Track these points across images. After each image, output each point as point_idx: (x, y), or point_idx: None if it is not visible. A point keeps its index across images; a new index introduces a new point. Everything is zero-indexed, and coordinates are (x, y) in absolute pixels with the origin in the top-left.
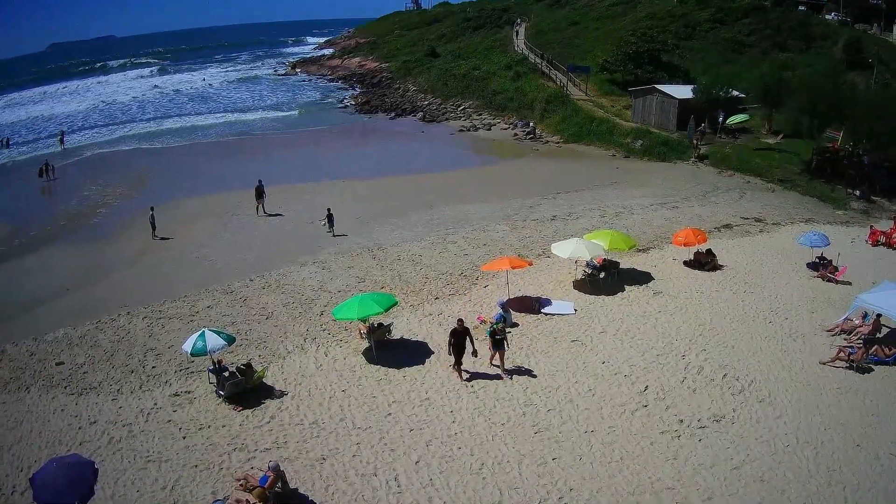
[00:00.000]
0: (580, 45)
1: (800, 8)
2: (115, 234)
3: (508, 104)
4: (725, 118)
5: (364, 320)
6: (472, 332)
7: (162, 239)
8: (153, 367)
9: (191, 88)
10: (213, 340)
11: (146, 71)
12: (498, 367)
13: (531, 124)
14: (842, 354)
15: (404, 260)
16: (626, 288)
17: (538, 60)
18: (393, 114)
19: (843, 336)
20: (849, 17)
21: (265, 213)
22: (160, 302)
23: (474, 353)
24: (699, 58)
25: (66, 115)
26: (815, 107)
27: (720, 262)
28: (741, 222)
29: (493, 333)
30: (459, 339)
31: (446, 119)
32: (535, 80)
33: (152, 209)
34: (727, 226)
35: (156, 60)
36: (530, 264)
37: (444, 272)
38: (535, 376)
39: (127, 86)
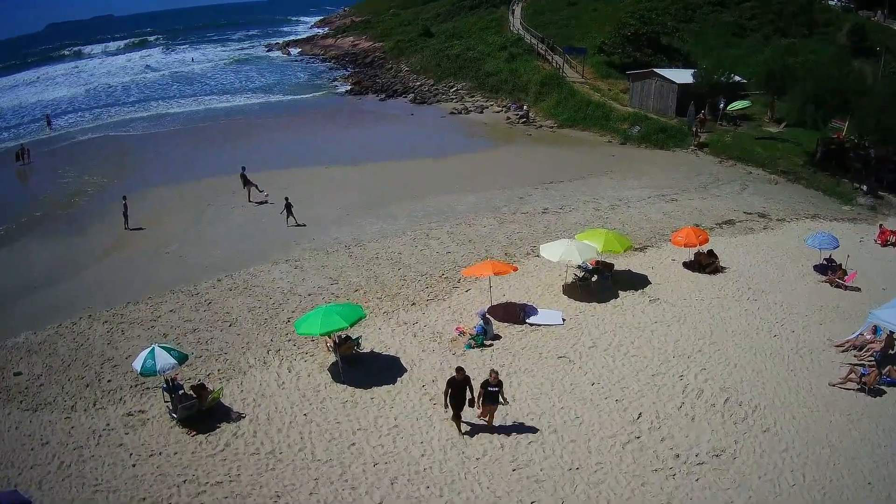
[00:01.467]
0: (578, 26)
1: None
2: (89, 226)
3: (502, 86)
4: (726, 105)
5: (328, 335)
6: (450, 345)
7: (135, 230)
8: (109, 381)
9: (179, 69)
10: (163, 359)
11: (136, 54)
12: (485, 423)
13: (525, 107)
14: (853, 375)
15: (382, 258)
16: (621, 294)
17: (534, 41)
18: (384, 95)
19: (854, 353)
20: (852, 4)
21: (254, 200)
22: (123, 304)
23: (472, 402)
24: (699, 41)
25: (52, 100)
26: (821, 95)
27: (722, 264)
28: (744, 218)
29: (485, 384)
30: (459, 390)
31: (438, 101)
32: (530, 62)
33: (125, 199)
34: (729, 221)
35: (152, 39)
36: (515, 269)
37: (424, 273)
38: (516, 400)
39: (118, 66)
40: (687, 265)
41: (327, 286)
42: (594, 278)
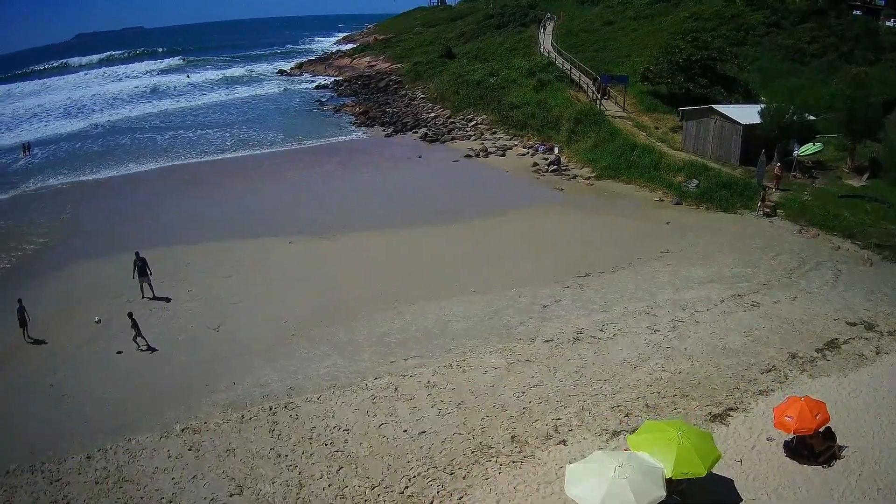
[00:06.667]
0: (615, 48)
1: (854, 13)
2: None
3: (529, 121)
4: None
5: None
6: None
7: (34, 343)
8: None
9: (176, 92)
10: None
11: (144, 67)
12: None
13: (556, 150)
14: None
15: (319, 439)
16: None
17: (567, 66)
18: (391, 129)
19: None
20: None
21: (152, 294)
22: None
23: None
24: (756, 67)
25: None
26: None
27: (839, 443)
28: (848, 333)
29: None
30: None
31: (453, 139)
32: (562, 91)
33: (20, 302)
34: (832, 344)
35: (174, 59)
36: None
37: (379, 482)
38: None
39: (105, 90)
40: (791, 450)
41: (223, 499)
42: None
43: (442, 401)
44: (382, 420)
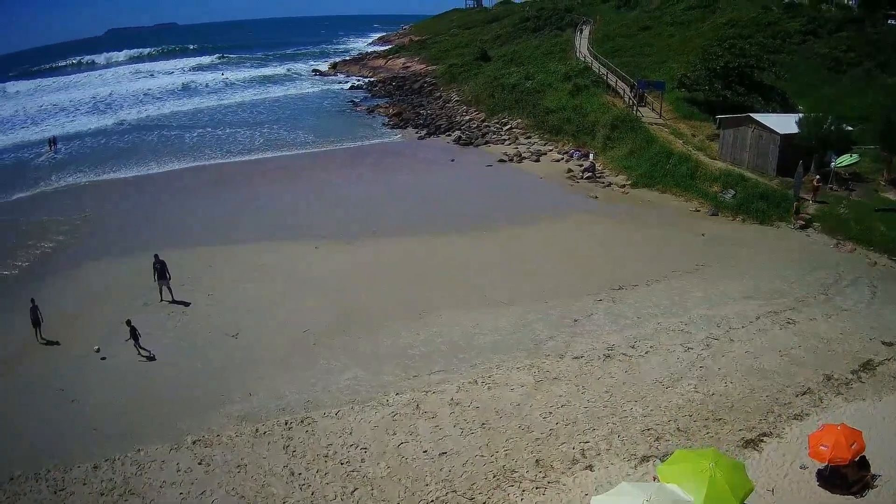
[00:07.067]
0: (652, 53)
1: (890, 22)
2: (3, 315)
3: (564, 126)
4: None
5: None
6: None
7: (47, 344)
8: None
9: (207, 89)
10: None
11: (176, 64)
12: None
13: (591, 157)
14: None
15: (335, 458)
16: None
17: (603, 71)
18: (424, 131)
19: None
20: None
21: (171, 298)
22: None
23: None
24: (793, 76)
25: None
26: None
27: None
28: (884, 354)
29: None
30: None
31: (487, 143)
32: (598, 97)
33: (33, 302)
34: (867, 365)
35: (206, 57)
36: None
37: None
38: None
39: (135, 87)
40: (824, 479)
41: None
42: None
43: (465, 420)
44: (402, 439)
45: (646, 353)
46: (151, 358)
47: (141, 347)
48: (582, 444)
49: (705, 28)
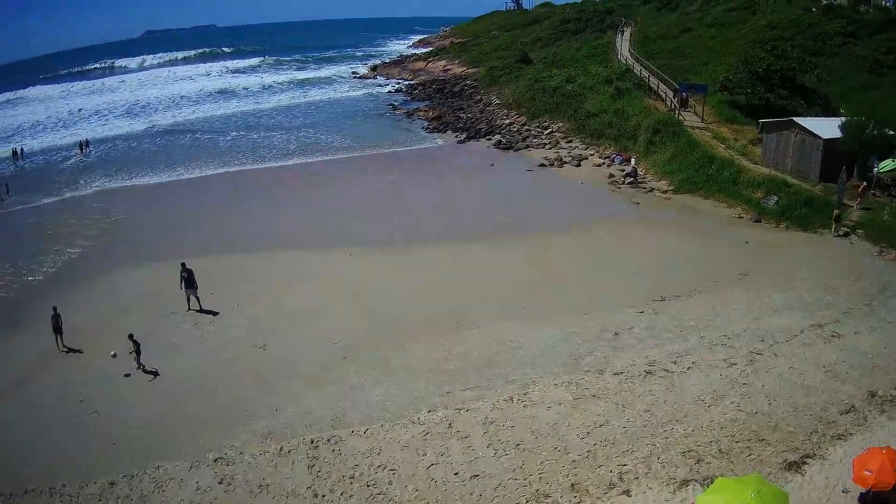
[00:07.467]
0: (693, 55)
1: None
2: (28, 321)
3: (606, 130)
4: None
5: None
6: None
7: (69, 352)
8: None
9: (245, 92)
10: None
11: (213, 67)
12: None
13: (633, 162)
14: None
15: (362, 479)
16: None
17: (645, 74)
18: (464, 135)
19: None
20: None
21: (199, 307)
22: None
23: None
24: (834, 79)
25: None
26: None
27: None
28: None
29: None
30: None
31: (527, 147)
32: (639, 100)
33: (55, 310)
34: None
35: (245, 59)
36: None
37: None
38: None
39: (171, 90)
40: (866, 503)
41: None
42: None
43: (499, 440)
44: (433, 460)
45: (688, 368)
46: (155, 374)
47: (141, 364)
48: (620, 466)
49: (746, 30)
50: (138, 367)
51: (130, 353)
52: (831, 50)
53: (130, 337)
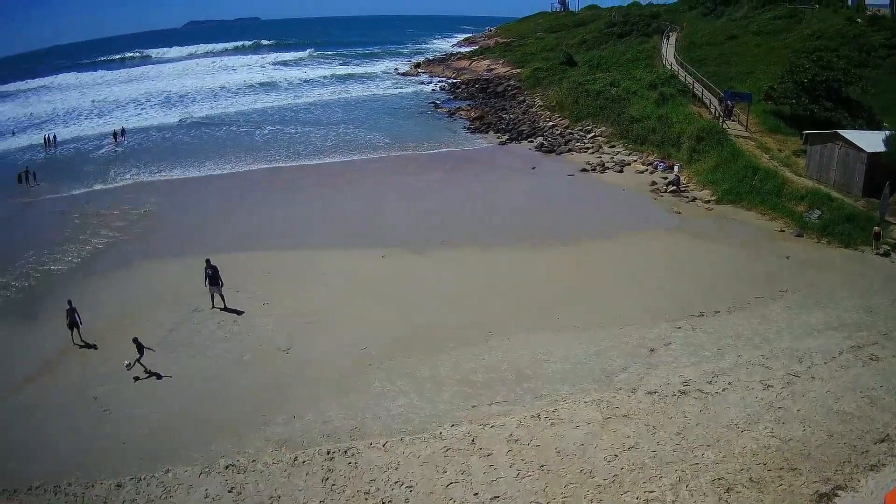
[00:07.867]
0: (738, 63)
1: None
2: (47, 313)
3: (649, 136)
4: None
5: None
6: None
7: (83, 347)
8: None
9: (286, 86)
10: None
11: (255, 60)
12: None
13: (676, 170)
14: None
15: (377, 495)
16: None
17: (689, 80)
18: (506, 136)
19: None
20: None
21: (223, 305)
22: None
23: None
24: (878, 91)
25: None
26: None
27: None
28: None
29: None
30: None
31: (570, 150)
32: (684, 107)
33: (70, 304)
34: None
35: (288, 53)
36: None
37: None
38: None
39: (210, 81)
40: None
41: None
42: None
43: (523, 459)
44: (452, 478)
45: (723, 389)
46: (158, 376)
47: (143, 365)
48: (647, 493)
49: (791, 39)
50: (145, 372)
51: (136, 359)
52: (875, 62)
53: (135, 340)
